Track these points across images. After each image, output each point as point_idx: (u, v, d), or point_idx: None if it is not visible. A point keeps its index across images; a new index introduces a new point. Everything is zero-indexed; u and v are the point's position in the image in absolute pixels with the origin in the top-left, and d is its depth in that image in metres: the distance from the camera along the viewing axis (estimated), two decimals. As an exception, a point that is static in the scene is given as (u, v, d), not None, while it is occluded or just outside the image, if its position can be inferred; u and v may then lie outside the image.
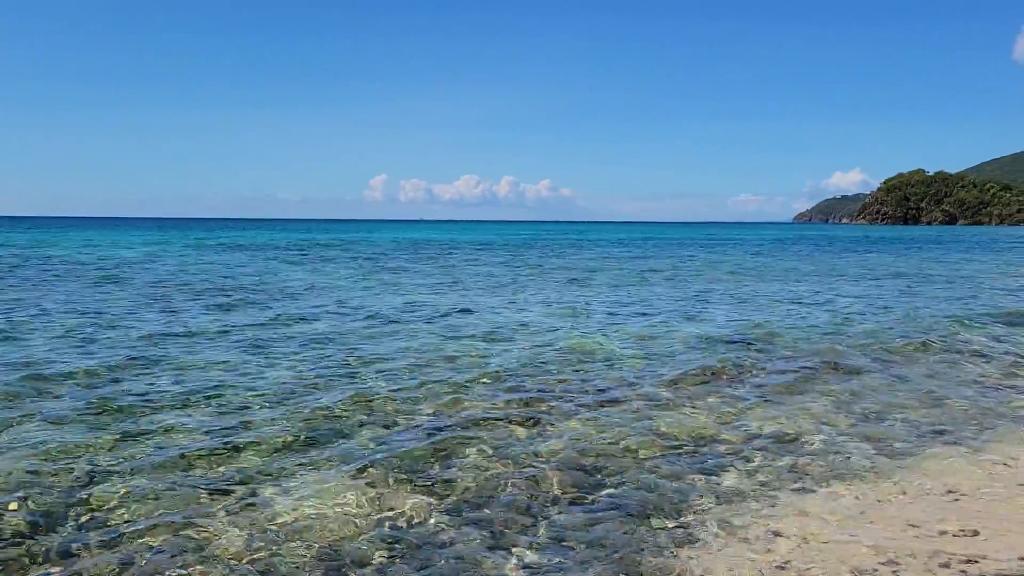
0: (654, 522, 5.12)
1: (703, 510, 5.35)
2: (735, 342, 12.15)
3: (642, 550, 4.69)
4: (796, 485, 5.85)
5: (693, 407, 8.01)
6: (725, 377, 9.56)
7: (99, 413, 7.42)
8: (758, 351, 11.41)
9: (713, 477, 5.99)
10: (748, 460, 6.40)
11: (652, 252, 48.25)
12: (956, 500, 5.56)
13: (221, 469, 5.97)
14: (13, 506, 5.11)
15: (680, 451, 6.59)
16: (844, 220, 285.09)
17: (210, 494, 5.46)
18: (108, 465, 6.00)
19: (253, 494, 5.45)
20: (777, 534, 4.95)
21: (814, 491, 5.73)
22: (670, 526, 5.07)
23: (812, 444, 6.83)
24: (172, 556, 4.49)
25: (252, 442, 6.58)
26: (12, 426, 6.93)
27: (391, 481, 5.69)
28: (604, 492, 5.61)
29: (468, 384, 8.88)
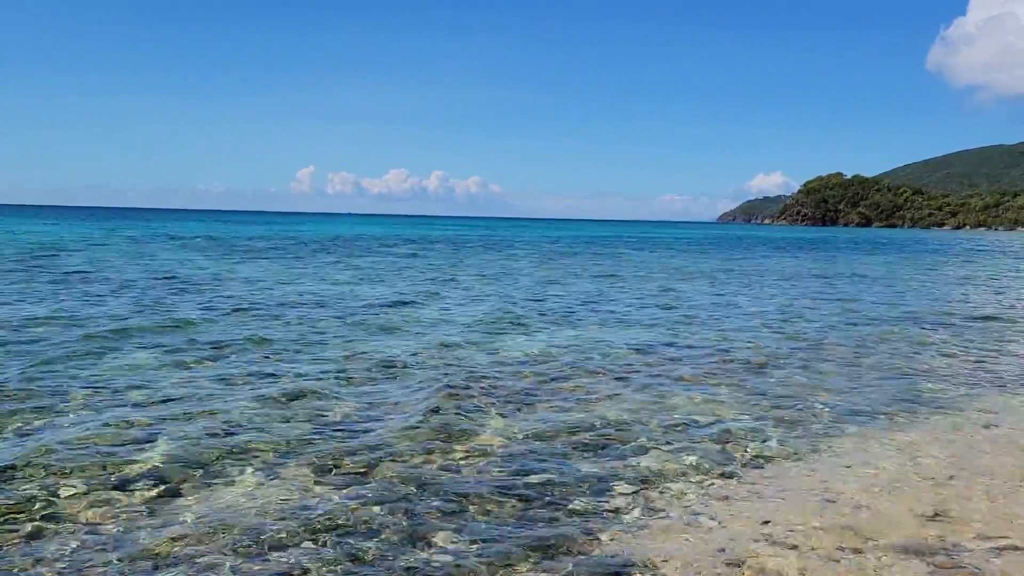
0: (577, 507, 5.18)
1: (625, 494, 5.45)
2: (658, 342, 12.40)
3: (566, 535, 4.74)
4: (720, 469, 6.00)
5: (615, 399, 8.15)
6: (647, 370, 9.78)
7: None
8: (680, 347, 11.70)
9: (634, 463, 6.10)
10: (670, 445, 6.55)
11: (582, 250, 48.72)
12: (872, 478, 5.78)
13: (140, 464, 5.81)
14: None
15: (603, 440, 6.68)
16: (766, 220, 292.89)
17: (124, 491, 5.32)
18: (25, 452, 5.79)
19: (173, 491, 5.34)
20: (698, 515, 5.07)
21: (739, 476, 5.88)
22: (593, 511, 5.14)
23: (732, 430, 7.02)
24: (88, 552, 4.39)
25: (175, 438, 6.44)
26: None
27: (313, 473, 5.64)
28: (527, 481, 5.64)
29: (392, 379, 8.87)
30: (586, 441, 6.66)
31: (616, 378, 9.28)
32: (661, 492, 5.52)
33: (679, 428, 7.11)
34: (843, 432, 7.09)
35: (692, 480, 5.77)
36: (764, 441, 6.75)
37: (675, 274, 28.19)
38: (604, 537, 4.75)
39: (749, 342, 12.09)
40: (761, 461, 6.23)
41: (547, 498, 5.32)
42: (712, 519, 5.04)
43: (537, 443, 6.56)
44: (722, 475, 5.89)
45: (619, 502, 5.32)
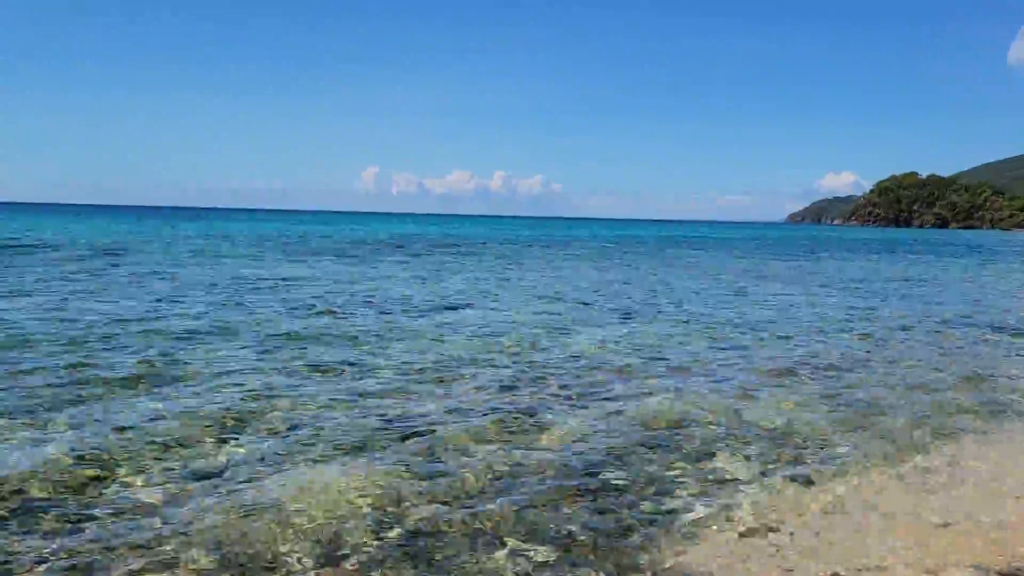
0: (645, 510, 5.09)
1: (696, 496, 5.33)
2: (730, 342, 12.17)
3: (637, 537, 4.67)
4: (792, 474, 5.83)
5: (684, 399, 8.00)
6: (720, 369, 9.60)
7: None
8: (754, 347, 11.45)
9: (707, 467, 5.97)
10: (743, 448, 6.40)
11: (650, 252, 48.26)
12: (956, 488, 5.54)
13: (220, 453, 5.95)
14: None
15: (674, 440, 6.57)
16: (836, 221, 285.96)
17: (198, 479, 5.43)
18: (102, 442, 5.96)
19: (250, 479, 5.42)
20: (773, 527, 4.92)
21: (813, 483, 5.71)
22: (662, 514, 5.04)
23: (803, 435, 6.82)
24: (163, 533, 4.46)
25: (253, 430, 6.59)
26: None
27: (389, 472, 5.65)
28: (597, 481, 5.58)
29: (465, 379, 8.86)
30: (656, 441, 6.56)
31: (687, 377, 9.13)
32: (733, 496, 5.40)
33: (752, 430, 6.96)
34: (927, 442, 6.81)
35: (764, 485, 5.62)
36: (837, 447, 6.54)
37: (746, 274, 27.71)
38: (675, 540, 4.67)
39: (824, 343, 11.77)
40: (834, 468, 6.03)
41: (618, 498, 5.26)
42: (784, 529, 4.89)
43: (607, 442, 6.48)
44: (794, 480, 5.72)
45: (690, 504, 5.22)
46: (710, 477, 5.78)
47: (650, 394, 8.19)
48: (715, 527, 4.90)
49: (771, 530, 4.85)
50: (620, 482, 5.58)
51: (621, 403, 7.81)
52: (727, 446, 6.51)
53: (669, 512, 5.10)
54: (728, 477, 5.79)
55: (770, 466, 6.05)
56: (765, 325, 13.88)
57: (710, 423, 7.16)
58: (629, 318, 14.57)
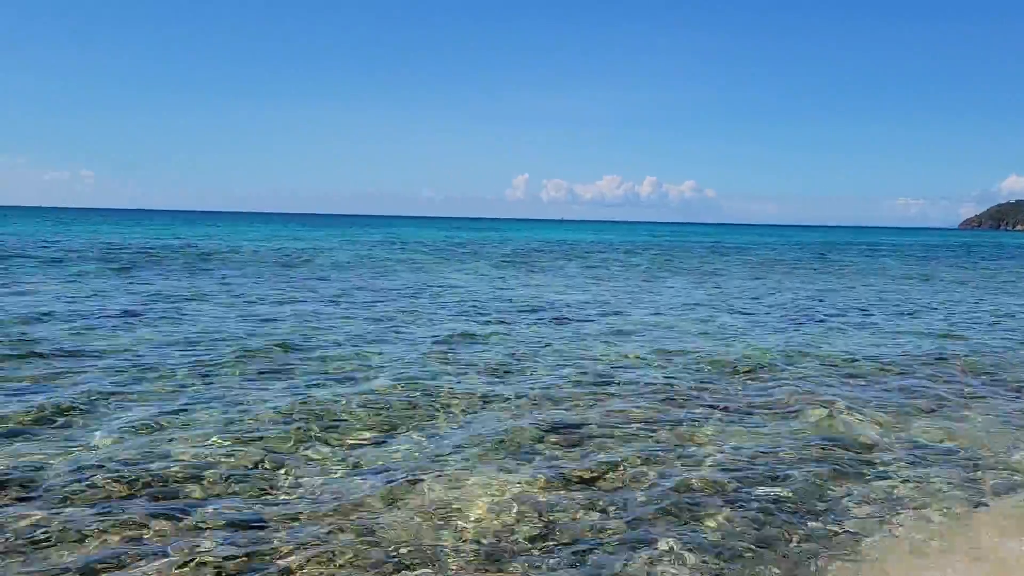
0: (811, 527, 4.99)
1: (862, 517, 5.17)
2: (899, 353, 11.60)
3: (800, 555, 4.59)
4: (967, 497, 5.54)
5: (851, 414, 7.72)
6: (885, 382, 9.19)
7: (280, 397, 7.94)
8: (922, 360, 10.88)
9: (875, 484, 5.77)
10: (912, 467, 6.14)
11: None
12: None
13: (381, 454, 6.24)
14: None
15: (839, 457, 6.38)
16: (1019, 227, 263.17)
17: (359, 473, 5.74)
18: (267, 441, 6.39)
19: (412, 481, 5.65)
20: (944, 548, 4.72)
21: (987, 505, 5.41)
22: (828, 533, 4.93)
23: (984, 458, 6.44)
24: (331, 534, 4.72)
25: (412, 430, 6.90)
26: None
27: (538, 476, 5.75)
28: (757, 495, 5.49)
29: (620, 384, 8.91)
30: (816, 455, 6.38)
31: (848, 389, 8.80)
32: (902, 515, 5.18)
33: (922, 448, 6.64)
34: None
35: (936, 505, 5.37)
36: (1018, 471, 6.13)
37: (917, 282, 26.15)
38: (839, 557, 4.56)
39: (1005, 357, 10.98)
40: (1012, 490, 5.68)
41: (778, 513, 5.16)
42: (956, 550, 4.67)
43: (767, 455, 6.36)
44: (968, 501, 5.43)
45: (855, 521, 5.06)
46: (877, 494, 5.57)
47: (817, 406, 7.95)
48: (882, 545, 4.73)
49: (942, 552, 4.65)
50: (780, 496, 5.47)
51: (783, 415, 7.64)
52: (897, 463, 6.24)
53: (833, 528, 4.97)
54: (897, 495, 5.56)
55: (943, 485, 5.76)
56: (958, 335, 13.11)
57: (880, 438, 6.89)
58: (797, 325, 14.15)
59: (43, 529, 4.65)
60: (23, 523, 4.73)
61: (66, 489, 5.25)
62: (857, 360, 10.68)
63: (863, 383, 9.24)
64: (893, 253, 52.36)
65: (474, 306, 16.41)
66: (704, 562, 4.49)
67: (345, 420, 7.11)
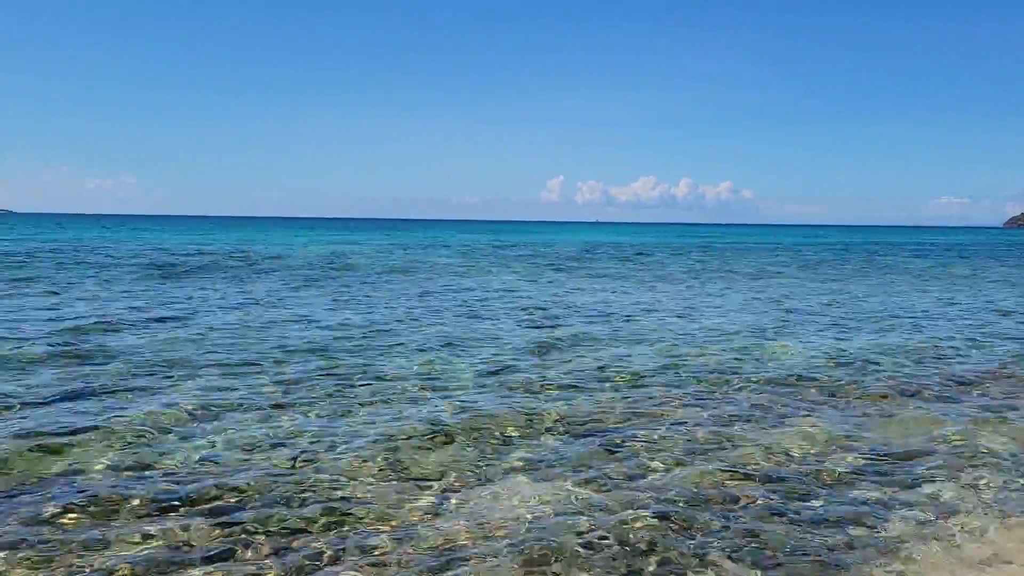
0: (857, 533, 4.90)
1: (913, 523, 5.07)
2: (947, 355, 11.38)
3: (849, 564, 4.51)
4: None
5: (894, 418, 7.60)
6: (937, 385, 9.00)
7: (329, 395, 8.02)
8: (974, 363, 10.64)
9: (923, 490, 5.66)
10: (963, 473, 6.01)
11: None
12: None
13: (430, 459, 6.27)
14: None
15: (884, 462, 6.27)
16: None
17: (416, 481, 5.76)
18: (315, 445, 6.48)
19: (459, 486, 5.67)
20: (1005, 560, 4.59)
21: (1042, 514, 5.27)
22: (875, 539, 4.84)
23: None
24: (378, 538, 4.76)
25: (463, 432, 6.93)
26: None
27: (588, 482, 5.74)
28: (804, 502, 5.43)
29: (657, 387, 8.88)
30: (864, 462, 6.28)
31: (897, 392, 8.65)
32: (957, 527, 5.07)
33: (973, 454, 6.50)
34: None
35: (994, 516, 5.24)
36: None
37: (963, 282, 25.63)
38: (892, 569, 4.48)
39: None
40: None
41: (823, 522, 5.08)
42: (1016, 562, 4.55)
43: (814, 462, 6.28)
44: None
45: (909, 532, 4.96)
46: (931, 505, 5.45)
47: (865, 414, 7.84)
48: (937, 557, 4.63)
49: (1004, 561, 4.54)
50: (829, 504, 5.39)
51: (831, 420, 7.53)
52: (951, 473, 6.10)
53: (885, 539, 4.87)
54: (952, 506, 5.44)
55: (1000, 497, 5.63)
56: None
57: (934, 447, 6.76)
58: (840, 329, 13.97)
59: (100, 530, 4.73)
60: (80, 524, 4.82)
61: (114, 493, 5.33)
62: (900, 360, 10.49)
63: (911, 383, 9.07)
64: (945, 253, 51.30)
65: (539, 311, 16.29)
66: (746, 567, 4.44)
67: (402, 426, 7.13)
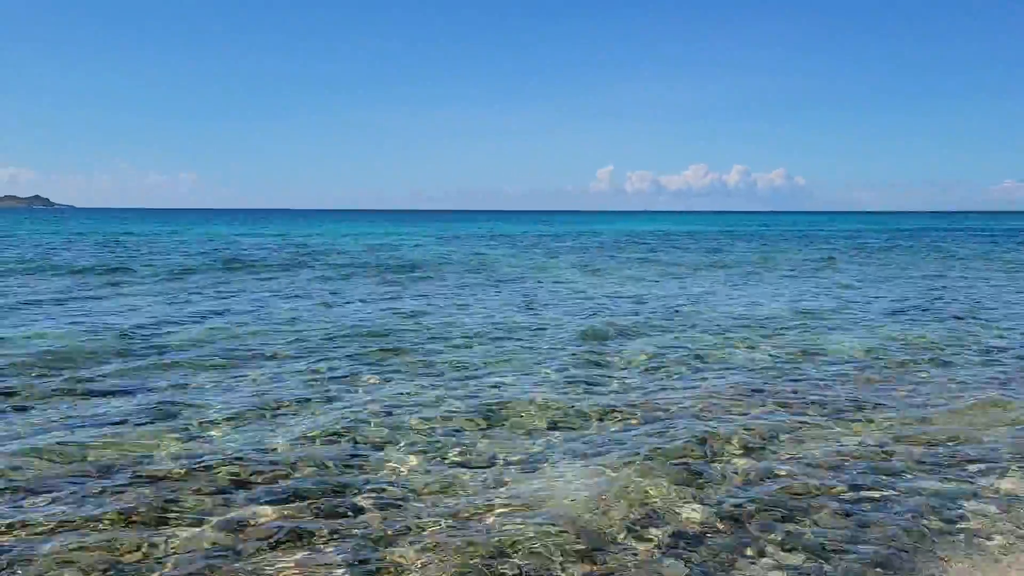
0: (924, 526, 4.79)
1: (981, 517, 4.93)
2: (1014, 344, 11.04)
3: (912, 558, 4.41)
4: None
5: (960, 408, 7.41)
6: (1002, 376, 8.77)
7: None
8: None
9: (988, 482, 5.51)
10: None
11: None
12: None
13: (484, 444, 6.31)
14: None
15: (947, 454, 6.11)
16: None
17: (468, 467, 5.80)
18: (372, 431, 6.58)
19: (508, 473, 5.70)
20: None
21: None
22: (942, 533, 4.73)
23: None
24: (431, 522, 4.80)
25: (513, 421, 6.97)
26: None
27: (647, 472, 5.71)
28: (868, 495, 5.31)
29: (710, 377, 8.80)
30: (928, 454, 6.12)
31: (959, 383, 8.42)
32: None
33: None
34: None
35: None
36: None
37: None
38: (961, 559, 4.37)
39: None
40: None
41: (887, 515, 4.97)
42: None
43: (875, 453, 6.14)
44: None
45: (974, 525, 4.82)
46: (999, 495, 5.30)
47: (927, 404, 7.65)
48: (1007, 546, 4.51)
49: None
50: (891, 495, 5.27)
51: (893, 411, 7.36)
52: (1016, 464, 5.92)
53: (952, 530, 4.76)
54: (1020, 494, 5.29)
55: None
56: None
57: (1004, 436, 6.56)
58: (909, 316, 13.67)
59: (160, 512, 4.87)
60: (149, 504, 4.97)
61: (181, 473, 5.48)
62: (963, 350, 10.22)
63: (972, 375, 8.84)
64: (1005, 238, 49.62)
65: (592, 300, 16.27)
66: (808, 559, 4.38)
67: (456, 413, 7.20)
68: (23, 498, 5.11)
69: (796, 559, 4.39)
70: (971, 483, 5.52)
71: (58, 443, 6.15)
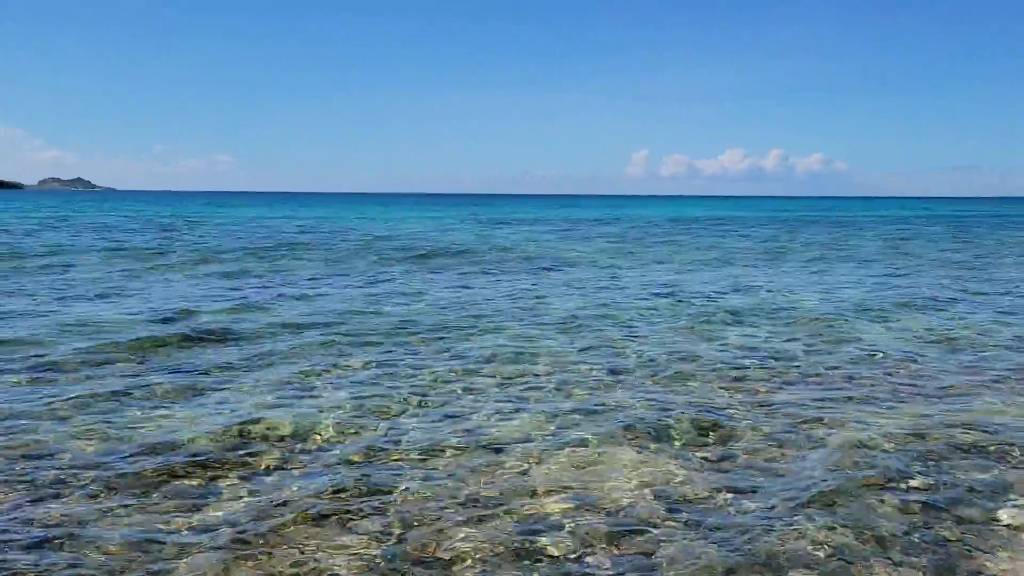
0: (966, 516, 4.73)
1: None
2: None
3: (954, 547, 4.35)
4: None
5: (1004, 399, 7.28)
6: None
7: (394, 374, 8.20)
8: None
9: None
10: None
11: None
12: None
13: (512, 428, 6.34)
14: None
15: (990, 445, 6.01)
16: None
17: (480, 447, 5.86)
18: (401, 420, 6.60)
19: (548, 455, 5.72)
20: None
21: None
22: (986, 523, 4.66)
23: None
24: (438, 505, 4.84)
25: (535, 405, 6.99)
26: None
27: (676, 454, 5.71)
28: (906, 481, 5.24)
29: (750, 362, 8.75)
30: (970, 444, 6.01)
31: (998, 373, 8.25)
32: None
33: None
34: None
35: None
36: None
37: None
38: (1002, 549, 4.32)
39: None
40: None
41: (929, 504, 4.89)
42: None
43: (911, 442, 6.05)
44: None
45: (1016, 519, 4.73)
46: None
47: (966, 394, 7.51)
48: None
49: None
50: (931, 485, 5.19)
51: (928, 402, 7.24)
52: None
53: (993, 521, 4.68)
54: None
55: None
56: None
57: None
58: (959, 305, 13.37)
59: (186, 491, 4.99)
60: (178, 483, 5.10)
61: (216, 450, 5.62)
62: (1004, 341, 10.02)
63: (1013, 365, 8.65)
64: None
65: (646, 287, 16.24)
66: (846, 546, 4.33)
67: (486, 393, 7.32)
68: (75, 473, 5.26)
69: (836, 543, 4.34)
70: (1015, 474, 5.41)
71: (104, 421, 6.34)
